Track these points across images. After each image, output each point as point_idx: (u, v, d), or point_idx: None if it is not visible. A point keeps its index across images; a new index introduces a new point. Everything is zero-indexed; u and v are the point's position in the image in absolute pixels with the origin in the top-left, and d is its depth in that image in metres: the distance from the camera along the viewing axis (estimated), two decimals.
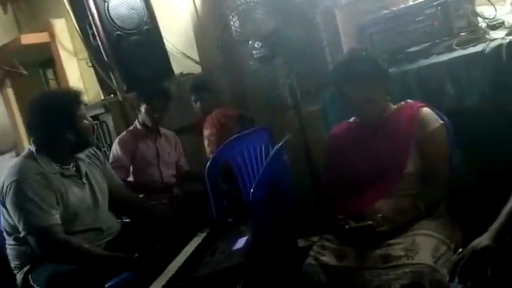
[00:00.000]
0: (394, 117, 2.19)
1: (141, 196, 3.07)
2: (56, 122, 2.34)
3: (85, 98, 2.59)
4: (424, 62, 2.48)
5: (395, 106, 2.24)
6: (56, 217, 2.26)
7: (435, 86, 2.41)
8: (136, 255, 2.18)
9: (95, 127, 2.57)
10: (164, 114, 3.48)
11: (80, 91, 2.48)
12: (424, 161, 2.10)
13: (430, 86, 2.43)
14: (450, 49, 2.40)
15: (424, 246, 1.85)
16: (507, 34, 2.26)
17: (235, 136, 2.64)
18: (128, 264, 2.20)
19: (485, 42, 2.29)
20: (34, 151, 2.36)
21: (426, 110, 2.17)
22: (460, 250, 1.58)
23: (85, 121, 2.43)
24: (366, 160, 2.16)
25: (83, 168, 2.49)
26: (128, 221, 2.81)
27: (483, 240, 1.53)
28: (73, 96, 2.41)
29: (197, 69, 4.04)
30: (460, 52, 2.34)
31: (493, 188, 2.18)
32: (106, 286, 2.31)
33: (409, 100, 2.26)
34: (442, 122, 2.14)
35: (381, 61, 2.21)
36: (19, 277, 2.37)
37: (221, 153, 2.58)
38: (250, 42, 2.99)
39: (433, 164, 2.09)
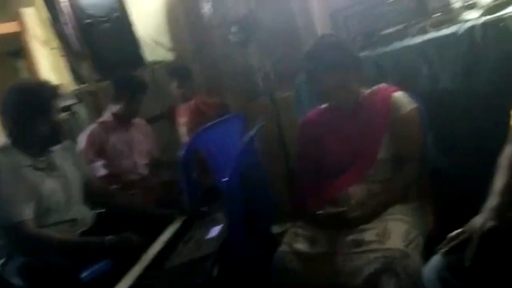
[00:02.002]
0: (368, 102, 2.17)
1: (114, 187, 3.02)
2: (29, 113, 2.29)
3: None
4: (398, 44, 2.47)
5: (368, 91, 2.21)
6: (27, 212, 2.22)
7: (409, 69, 2.40)
8: (109, 237, 2.19)
9: (67, 121, 2.51)
10: (140, 106, 3.41)
11: (57, 85, 2.42)
12: (397, 145, 2.09)
13: (404, 69, 2.42)
14: (424, 31, 2.40)
15: (396, 230, 1.85)
16: (481, 15, 2.25)
17: (208, 124, 2.61)
18: (100, 248, 2.20)
19: (458, 23, 2.28)
20: (6, 144, 2.32)
21: (399, 94, 2.15)
22: (461, 230, 1.54)
23: (59, 116, 2.39)
24: (339, 146, 2.15)
25: (56, 160, 2.45)
26: (102, 212, 2.77)
27: (486, 220, 1.49)
28: (50, 89, 2.36)
29: (169, 56, 4.00)
30: (433, 34, 2.34)
31: (465, 170, 2.20)
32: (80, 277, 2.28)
33: (382, 84, 2.24)
34: (415, 105, 2.13)
35: (351, 47, 2.20)
36: None
37: (194, 141, 2.56)
38: (225, 27, 2.96)
39: (406, 148, 2.08)
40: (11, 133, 2.34)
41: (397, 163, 2.09)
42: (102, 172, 3.29)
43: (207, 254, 1.90)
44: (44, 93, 2.32)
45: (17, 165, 2.28)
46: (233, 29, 2.91)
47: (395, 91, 2.16)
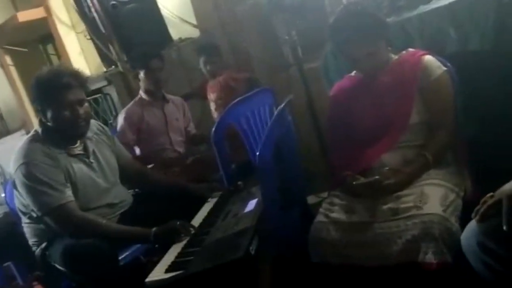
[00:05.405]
0: (396, 68, 2.14)
1: (150, 166, 3.08)
2: (50, 103, 2.27)
3: (84, 75, 2.40)
4: (424, 8, 2.43)
5: (396, 56, 2.19)
6: (69, 193, 2.27)
7: (437, 32, 2.37)
8: (154, 229, 2.18)
9: (91, 113, 2.39)
10: (161, 75, 3.40)
11: (76, 72, 2.33)
12: (429, 110, 2.07)
13: (432, 32, 2.39)
14: None
15: (433, 195, 1.84)
16: None
17: (238, 99, 2.62)
18: (146, 238, 2.21)
19: None
20: (40, 132, 2.35)
21: (428, 57, 2.11)
22: (491, 194, 1.50)
23: (78, 108, 2.29)
24: (370, 113, 2.14)
25: (90, 146, 2.47)
26: (138, 192, 2.83)
27: None
28: (63, 79, 2.26)
29: (195, 33, 3.99)
30: None
31: (494, 133, 2.17)
32: (120, 257, 2.36)
33: (410, 49, 2.21)
34: (445, 68, 2.09)
35: (378, 13, 2.15)
36: (38, 253, 2.41)
37: (225, 117, 2.57)
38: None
39: (438, 112, 2.06)
40: (41, 121, 2.35)
41: (430, 128, 2.07)
42: (139, 151, 3.37)
43: (245, 228, 1.91)
44: (62, 82, 2.25)
45: (51, 151, 2.30)
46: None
47: (424, 55, 2.13)
